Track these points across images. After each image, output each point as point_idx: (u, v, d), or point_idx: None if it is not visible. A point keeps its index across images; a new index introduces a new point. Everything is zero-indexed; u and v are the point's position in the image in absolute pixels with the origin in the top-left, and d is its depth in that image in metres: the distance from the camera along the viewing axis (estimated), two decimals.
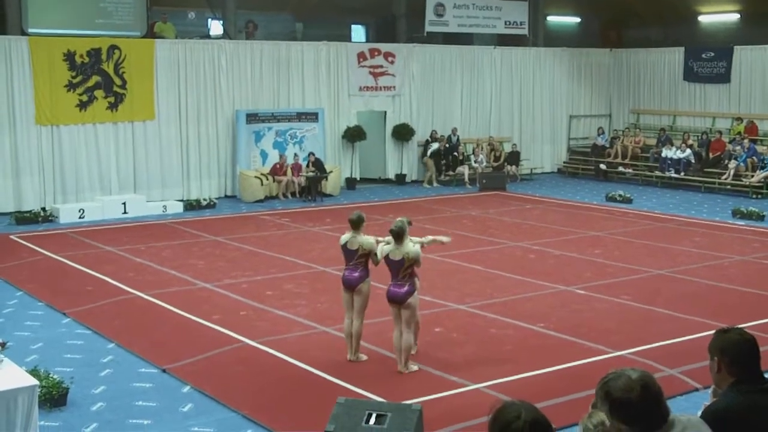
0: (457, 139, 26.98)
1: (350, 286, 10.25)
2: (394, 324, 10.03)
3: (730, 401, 4.14)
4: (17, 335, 11.51)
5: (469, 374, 9.87)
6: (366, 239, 10.19)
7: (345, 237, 10.32)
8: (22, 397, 7.32)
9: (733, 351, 4.22)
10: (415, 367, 10.02)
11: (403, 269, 9.75)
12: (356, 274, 10.18)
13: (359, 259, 10.16)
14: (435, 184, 26.13)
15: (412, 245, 9.81)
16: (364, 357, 10.47)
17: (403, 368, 9.95)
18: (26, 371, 8.12)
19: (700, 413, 4.18)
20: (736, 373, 4.19)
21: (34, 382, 7.65)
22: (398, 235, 9.72)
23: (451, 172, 26.47)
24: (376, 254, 10.09)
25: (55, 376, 9.16)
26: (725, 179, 24.67)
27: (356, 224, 10.18)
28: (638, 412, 3.44)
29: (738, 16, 28.65)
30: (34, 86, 20.89)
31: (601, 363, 10.15)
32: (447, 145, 26.68)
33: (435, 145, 26.39)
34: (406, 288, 9.78)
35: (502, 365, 10.23)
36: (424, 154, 26.68)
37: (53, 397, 8.92)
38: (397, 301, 9.85)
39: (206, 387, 9.61)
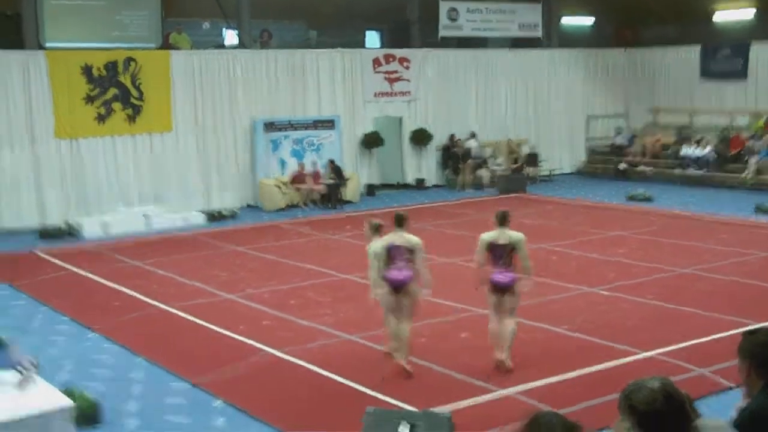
0: (477, 143, 26.96)
1: (401, 285, 9.89)
2: (493, 314, 9.98)
3: (763, 404, 4.12)
4: (44, 352, 11.55)
5: (495, 380, 9.85)
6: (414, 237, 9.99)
7: (389, 237, 10.03)
8: (59, 418, 7.32)
9: (762, 353, 4.18)
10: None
11: (506, 255, 9.76)
12: (406, 273, 9.89)
13: (407, 255, 9.86)
14: (464, 189, 26.04)
15: (516, 232, 9.84)
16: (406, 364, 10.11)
17: (506, 358, 9.87)
18: (60, 390, 8.09)
19: (732, 415, 4.16)
20: (766, 375, 4.16)
21: (70, 402, 7.64)
22: (503, 219, 9.83)
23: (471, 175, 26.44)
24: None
25: (88, 395, 9.15)
26: (746, 175, 24.54)
27: (402, 222, 10.02)
28: (665, 421, 3.42)
29: (754, 11, 28.48)
30: (53, 100, 21.01)
31: (630, 365, 10.13)
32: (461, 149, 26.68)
33: (473, 143, 26.45)
34: (511, 275, 9.76)
35: (530, 369, 10.18)
36: (448, 157, 26.64)
37: (88, 417, 8.87)
38: (503, 289, 9.81)
39: (237, 400, 9.58)
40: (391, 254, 9.89)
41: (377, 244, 10.12)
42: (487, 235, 10.01)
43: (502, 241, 9.90)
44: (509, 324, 9.96)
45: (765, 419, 4.07)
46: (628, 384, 3.52)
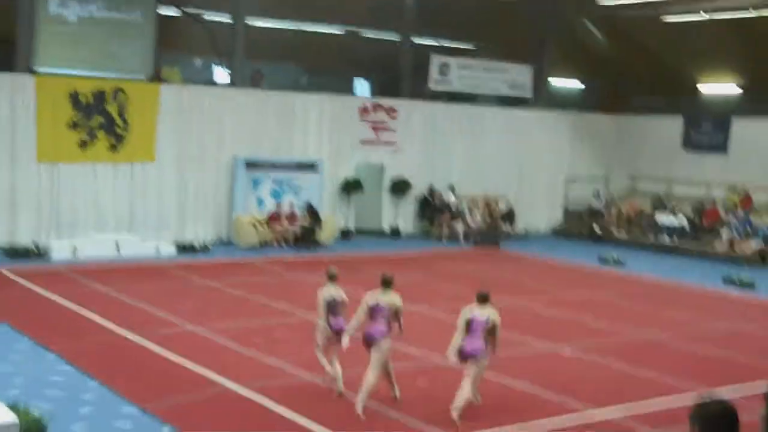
0: (455, 197, 27.11)
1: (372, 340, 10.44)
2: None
3: None
4: None
5: (450, 427, 9.87)
6: (397, 297, 10.58)
7: (374, 296, 10.58)
8: None
9: (713, 424, 4.18)
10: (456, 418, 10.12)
11: (483, 330, 10.18)
12: (381, 329, 10.45)
13: (389, 314, 10.48)
14: (444, 241, 26.13)
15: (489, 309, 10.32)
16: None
17: (456, 417, 10.05)
18: (5, 405, 8.08)
19: None
20: None
21: (14, 418, 7.62)
22: (483, 298, 10.35)
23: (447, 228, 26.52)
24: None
25: (34, 412, 9.13)
26: (719, 248, 24.76)
27: (389, 283, 10.64)
28: None
29: (738, 88, 28.93)
30: (37, 124, 21.06)
31: (582, 423, 10.16)
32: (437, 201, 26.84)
33: (451, 197, 26.69)
34: (481, 345, 10.20)
35: (481, 419, 10.21)
36: (426, 208, 26.79)
37: None
38: (469, 357, 10.23)
39: (185, 429, 9.59)
40: (374, 312, 10.48)
41: (328, 292, 10.94)
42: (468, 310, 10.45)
43: (481, 317, 10.31)
44: (464, 387, 10.26)
45: None
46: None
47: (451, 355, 10.37)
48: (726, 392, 10.40)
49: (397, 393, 10.85)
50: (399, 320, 10.53)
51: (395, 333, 10.60)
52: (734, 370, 13.16)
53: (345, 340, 10.69)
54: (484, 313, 10.27)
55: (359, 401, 10.26)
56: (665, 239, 26.11)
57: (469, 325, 10.27)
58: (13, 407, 8.80)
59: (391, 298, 10.51)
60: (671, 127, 29.34)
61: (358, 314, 10.56)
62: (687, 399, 10.37)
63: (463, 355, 10.26)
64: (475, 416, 10.34)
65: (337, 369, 10.89)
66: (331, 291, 10.99)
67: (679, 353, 14.12)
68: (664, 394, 11.51)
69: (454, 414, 10.04)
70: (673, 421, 9.89)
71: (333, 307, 10.93)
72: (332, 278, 11.09)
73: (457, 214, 26.81)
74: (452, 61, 28.29)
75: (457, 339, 10.31)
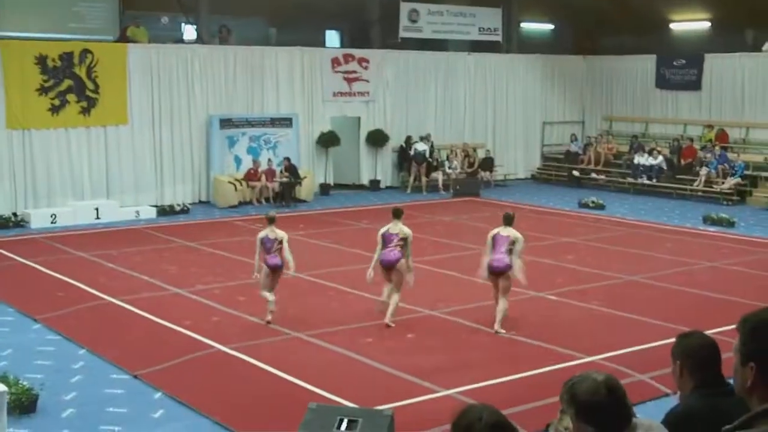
0: (432, 145, 27.00)
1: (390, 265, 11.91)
2: (495, 292, 11.86)
3: (692, 405, 4.19)
4: None
5: (440, 380, 9.92)
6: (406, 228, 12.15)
7: (386, 226, 12.20)
8: None
9: (694, 355, 4.25)
10: (503, 331, 11.67)
11: (507, 244, 11.59)
12: (396, 254, 11.91)
13: (399, 242, 11.96)
14: (408, 191, 26.07)
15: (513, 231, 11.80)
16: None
17: (499, 327, 11.63)
18: None
19: (662, 418, 4.22)
20: (698, 377, 4.22)
21: (3, 388, 7.61)
22: (509, 219, 11.90)
23: (424, 178, 26.44)
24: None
25: (24, 383, 9.12)
26: (697, 186, 24.91)
27: (399, 214, 12.26)
28: (604, 414, 3.47)
29: (709, 24, 28.91)
30: (5, 90, 20.72)
31: (571, 369, 10.20)
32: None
33: (421, 146, 26.45)
34: (507, 261, 11.60)
35: (473, 371, 10.27)
36: (404, 159, 26.70)
37: (23, 404, 8.87)
38: (499, 273, 11.66)
39: (177, 393, 9.60)
40: (386, 239, 12.00)
41: (263, 232, 12.22)
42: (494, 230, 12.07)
43: (503, 234, 11.83)
44: (503, 302, 11.78)
45: (692, 420, 4.13)
46: (573, 375, 3.57)
47: (482, 273, 11.90)
48: (712, 331, 10.47)
49: (390, 319, 12.01)
50: (408, 249, 11.93)
51: (409, 264, 12.04)
52: (720, 308, 13.26)
53: (369, 274, 12.09)
54: (507, 232, 11.71)
55: (388, 315, 11.90)
56: (644, 180, 26.19)
57: (494, 242, 11.71)
58: (3, 378, 8.78)
59: (401, 228, 12.00)
60: (644, 66, 29.31)
61: (377, 248, 12.01)
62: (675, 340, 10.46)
63: (492, 271, 11.67)
64: (468, 366, 10.40)
65: (271, 298, 12.08)
66: (266, 231, 12.15)
67: (663, 295, 14.21)
68: (651, 337, 11.55)
69: (497, 327, 11.57)
70: (663, 361, 9.94)
71: (266, 245, 12.06)
72: (271, 221, 12.25)
73: (434, 164, 26.73)
74: (421, 7, 28.04)
75: (485, 258, 11.81)
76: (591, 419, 3.46)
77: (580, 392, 3.47)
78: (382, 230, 12.13)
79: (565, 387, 3.56)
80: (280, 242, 12.10)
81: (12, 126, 20.86)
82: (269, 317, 12.10)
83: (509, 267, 11.63)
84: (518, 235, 11.73)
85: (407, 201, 24.45)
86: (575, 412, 3.49)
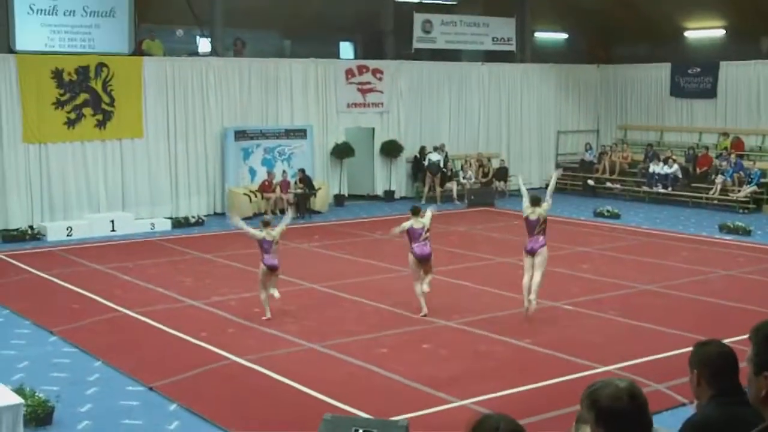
0: (446, 155, 26.98)
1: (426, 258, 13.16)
2: (526, 272, 12.92)
3: (709, 414, 4.15)
4: (2, 354, 11.51)
5: (456, 390, 9.88)
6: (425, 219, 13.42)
7: (408, 222, 13.33)
8: (7, 415, 7.32)
9: (712, 364, 4.21)
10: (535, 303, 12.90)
11: (539, 225, 12.80)
12: (426, 248, 13.21)
13: (426, 234, 13.25)
14: (423, 201, 25.99)
15: (542, 206, 12.99)
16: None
17: (533, 299, 12.76)
18: (11, 389, 8.09)
19: (680, 428, 4.19)
20: (716, 386, 4.18)
21: (20, 400, 7.63)
22: (536, 200, 13.03)
23: (439, 188, 26.41)
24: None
25: (40, 395, 9.14)
26: (712, 194, 24.80)
27: (417, 212, 13.50)
28: (625, 421, 3.44)
29: (723, 32, 28.83)
30: (21, 104, 20.85)
31: (587, 378, 10.14)
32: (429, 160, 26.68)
33: (435, 156, 26.43)
34: (541, 240, 12.85)
35: (489, 381, 10.24)
36: (418, 169, 26.68)
37: (39, 416, 8.88)
38: (534, 252, 12.78)
39: (193, 405, 9.60)
40: (412, 234, 13.19)
41: (260, 233, 13.33)
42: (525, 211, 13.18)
43: (533, 217, 12.92)
44: (539, 277, 12.83)
45: (709, 429, 4.09)
46: (595, 381, 3.54)
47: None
48: (729, 340, 10.40)
49: (425, 309, 13.26)
50: (428, 234, 13.29)
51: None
52: (736, 317, 13.18)
53: (395, 230, 13.77)
54: (535, 213, 12.86)
55: (422, 304, 13.16)
56: (659, 189, 26.09)
57: (528, 227, 12.96)
58: (20, 390, 8.80)
59: (422, 222, 13.22)
60: (658, 74, 29.23)
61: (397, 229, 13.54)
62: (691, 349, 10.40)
63: (529, 251, 12.84)
64: (484, 377, 10.38)
65: (266, 296, 13.14)
66: (263, 234, 13.15)
67: (679, 304, 14.14)
68: (668, 346, 11.49)
69: (533, 297, 12.71)
70: (680, 370, 9.87)
71: (264, 246, 13.12)
72: (266, 224, 13.44)
73: (448, 174, 26.70)
74: (435, 17, 28.08)
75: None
76: (611, 426, 3.43)
77: (601, 398, 3.44)
78: (406, 225, 13.24)
79: (587, 392, 3.53)
80: (277, 242, 13.30)
81: (28, 140, 20.98)
82: (268, 314, 13.10)
83: (544, 245, 12.86)
84: (543, 212, 12.95)
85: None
86: (595, 418, 3.46)
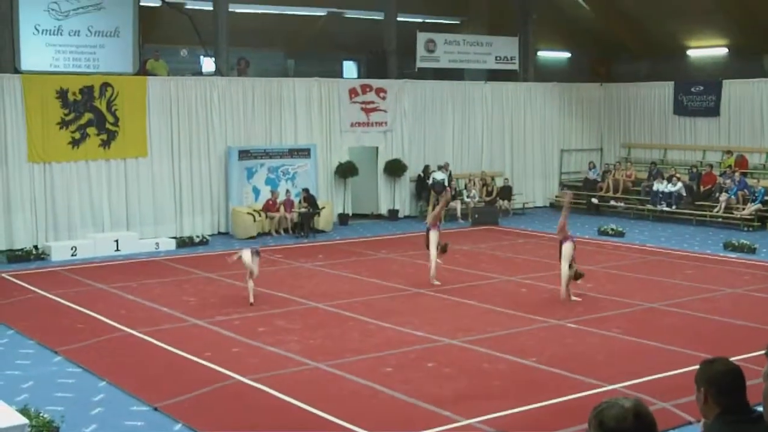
0: (449, 174, 27.01)
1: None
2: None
3: (716, 431, 4.14)
4: (7, 374, 11.49)
5: (461, 409, 9.85)
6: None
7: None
8: None
9: (719, 381, 4.21)
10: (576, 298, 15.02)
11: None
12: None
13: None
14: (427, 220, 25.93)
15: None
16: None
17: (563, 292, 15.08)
18: (16, 410, 8.07)
19: None
20: (723, 404, 4.18)
21: (24, 421, 7.62)
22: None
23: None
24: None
25: (45, 415, 9.12)
26: (716, 212, 24.79)
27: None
28: None
29: (726, 50, 28.90)
30: (26, 124, 20.92)
31: (592, 397, 10.12)
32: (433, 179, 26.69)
33: (439, 175, 26.44)
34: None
35: (494, 400, 10.21)
36: (422, 188, 26.70)
37: None
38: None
39: (198, 425, 9.58)
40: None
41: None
42: None
43: None
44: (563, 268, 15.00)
45: None
46: (602, 401, 3.55)
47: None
48: (735, 358, 10.37)
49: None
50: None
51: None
52: (743, 335, 13.16)
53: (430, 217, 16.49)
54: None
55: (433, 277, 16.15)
56: (663, 207, 26.10)
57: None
58: (24, 411, 8.78)
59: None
60: (662, 93, 29.29)
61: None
62: (697, 367, 10.37)
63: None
64: (489, 396, 10.34)
65: (251, 284, 15.23)
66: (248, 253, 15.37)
67: (684, 322, 14.11)
68: (673, 365, 11.47)
69: (563, 290, 14.58)
70: (685, 389, 9.84)
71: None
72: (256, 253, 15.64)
73: (453, 193, 26.67)
74: (438, 37, 28.18)
75: None
76: None
77: (607, 418, 3.45)
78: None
79: (593, 412, 3.54)
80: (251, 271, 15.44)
81: (33, 159, 21.04)
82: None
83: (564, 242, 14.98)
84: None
85: (425, 231, 24.40)
86: None
